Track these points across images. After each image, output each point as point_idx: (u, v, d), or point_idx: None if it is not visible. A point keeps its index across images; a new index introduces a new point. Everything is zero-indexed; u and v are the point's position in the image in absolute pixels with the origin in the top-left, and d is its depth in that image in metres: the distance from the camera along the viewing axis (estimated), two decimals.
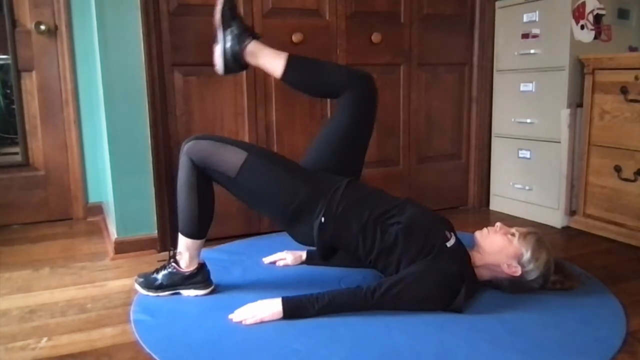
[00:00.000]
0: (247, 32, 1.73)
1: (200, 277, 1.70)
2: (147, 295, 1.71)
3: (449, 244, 1.58)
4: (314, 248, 1.71)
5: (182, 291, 1.71)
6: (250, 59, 1.74)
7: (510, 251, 1.60)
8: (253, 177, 1.62)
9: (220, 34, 1.74)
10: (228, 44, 1.72)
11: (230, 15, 1.73)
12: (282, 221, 1.68)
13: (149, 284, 1.71)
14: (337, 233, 1.61)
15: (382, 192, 1.74)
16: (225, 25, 1.73)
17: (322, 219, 1.59)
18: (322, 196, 1.61)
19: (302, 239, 1.69)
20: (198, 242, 1.69)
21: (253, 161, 1.62)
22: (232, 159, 1.61)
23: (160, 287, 1.70)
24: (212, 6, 2.18)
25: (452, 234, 1.63)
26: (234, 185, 1.64)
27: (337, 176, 1.70)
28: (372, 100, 1.76)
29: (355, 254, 1.64)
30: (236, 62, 1.74)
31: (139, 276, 1.75)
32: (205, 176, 1.64)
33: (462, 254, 1.61)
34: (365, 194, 1.67)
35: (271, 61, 1.74)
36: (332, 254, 1.71)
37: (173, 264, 1.69)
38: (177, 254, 1.71)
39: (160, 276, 1.70)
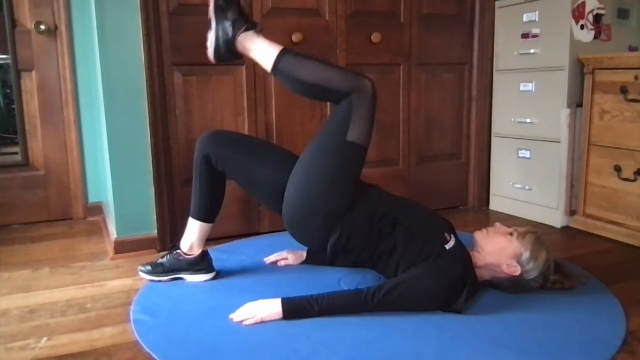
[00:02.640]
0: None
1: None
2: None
3: (448, 247, 1.57)
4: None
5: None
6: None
7: (510, 251, 1.60)
8: (348, 159, 1.61)
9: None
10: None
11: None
12: (305, 207, 1.61)
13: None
14: (347, 244, 1.61)
15: (383, 193, 1.75)
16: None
17: (339, 233, 1.60)
18: (348, 212, 1.61)
19: (307, 241, 1.70)
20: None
21: (362, 155, 1.63)
22: (363, 133, 1.59)
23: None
24: None
25: (452, 235, 1.63)
26: (337, 137, 1.59)
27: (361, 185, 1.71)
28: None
29: (358, 258, 1.65)
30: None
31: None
32: (333, 96, 1.61)
33: (463, 255, 1.60)
34: (370, 196, 1.67)
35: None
36: (337, 259, 1.70)
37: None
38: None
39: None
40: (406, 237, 1.57)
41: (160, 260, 1.83)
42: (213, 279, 1.82)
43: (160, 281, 1.81)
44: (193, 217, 1.79)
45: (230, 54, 1.67)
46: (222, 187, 1.80)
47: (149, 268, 1.83)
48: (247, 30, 1.63)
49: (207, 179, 1.75)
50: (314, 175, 1.61)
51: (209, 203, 1.78)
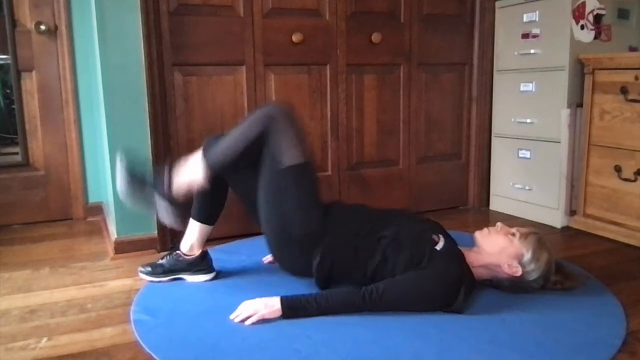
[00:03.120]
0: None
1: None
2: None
3: (438, 247, 1.58)
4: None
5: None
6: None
7: (511, 251, 1.60)
8: (294, 182, 1.61)
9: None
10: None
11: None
12: (280, 239, 1.67)
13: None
14: (332, 267, 1.61)
15: (363, 208, 1.76)
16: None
17: (319, 258, 1.60)
18: (324, 235, 1.61)
19: (295, 272, 1.68)
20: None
21: (306, 171, 1.62)
22: (295, 152, 1.59)
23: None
24: (212, 6, 2.21)
25: (440, 235, 1.63)
26: (273, 172, 1.61)
27: (326, 204, 1.72)
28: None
29: (350, 279, 1.63)
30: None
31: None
32: (262, 140, 1.61)
33: (455, 253, 1.60)
34: (349, 217, 1.67)
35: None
36: (329, 283, 1.68)
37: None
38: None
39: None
40: (393, 247, 1.57)
41: (160, 261, 1.83)
42: (213, 279, 1.82)
43: (160, 281, 1.81)
44: (194, 219, 1.79)
45: (181, 206, 1.65)
46: (224, 190, 1.79)
47: (149, 269, 1.83)
48: (168, 175, 1.62)
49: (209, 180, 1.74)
50: (272, 213, 1.64)
51: (210, 205, 1.78)
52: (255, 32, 2.29)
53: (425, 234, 1.62)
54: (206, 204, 1.77)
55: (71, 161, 2.69)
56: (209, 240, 1.85)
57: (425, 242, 1.58)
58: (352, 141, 2.56)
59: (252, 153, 1.63)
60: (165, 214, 1.65)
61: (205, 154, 1.62)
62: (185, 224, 1.74)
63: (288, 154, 1.59)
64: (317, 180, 1.68)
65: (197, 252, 1.79)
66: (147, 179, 1.63)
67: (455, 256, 1.59)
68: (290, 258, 1.67)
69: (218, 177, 1.72)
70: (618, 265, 1.98)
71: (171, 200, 1.62)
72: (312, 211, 1.62)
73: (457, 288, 1.52)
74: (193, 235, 1.79)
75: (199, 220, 1.78)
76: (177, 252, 1.80)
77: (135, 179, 1.61)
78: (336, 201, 1.81)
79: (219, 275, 1.85)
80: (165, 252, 1.88)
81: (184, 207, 1.68)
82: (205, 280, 1.81)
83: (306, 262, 1.62)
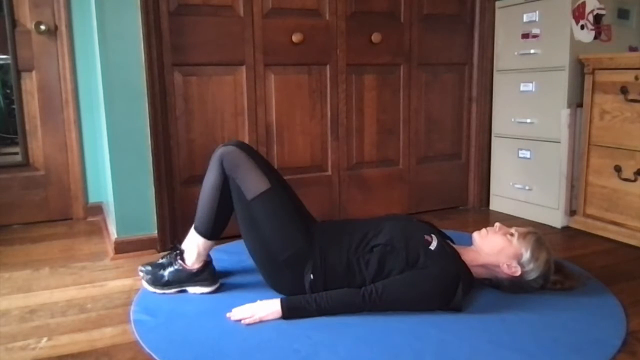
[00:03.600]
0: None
1: (206, 274, 1.73)
2: (154, 292, 1.73)
3: (432, 247, 1.58)
4: None
5: (188, 288, 1.74)
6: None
7: (510, 251, 1.60)
8: (263, 211, 1.62)
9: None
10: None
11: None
12: (268, 266, 1.67)
13: (156, 280, 1.73)
14: (326, 282, 1.60)
15: (352, 221, 1.77)
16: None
17: (312, 276, 1.59)
18: (311, 251, 1.61)
19: (287, 293, 1.65)
20: (209, 242, 1.72)
21: (271, 196, 1.63)
22: (255, 183, 1.62)
23: (167, 284, 1.73)
24: (212, 6, 2.21)
25: (433, 235, 1.63)
26: (243, 207, 1.64)
27: (312, 223, 1.74)
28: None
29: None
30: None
31: (143, 265, 1.78)
32: (227, 182, 1.66)
33: (450, 252, 1.61)
34: (337, 232, 1.67)
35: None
36: None
37: (179, 261, 1.72)
38: (184, 252, 1.73)
39: (166, 273, 1.72)
40: (387, 253, 1.57)
41: (162, 272, 1.74)
42: (217, 289, 1.75)
43: (164, 293, 1.73)
44: (198, 233, 1.71)
45: (203, 271, 1.73)
46: (230, 207, 1.71)
47: (149, 268, 1.77)
48: (177, 257, 1.73)
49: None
50: (254, 243, 1.67)
51: (215, 221, 1.71)
52: (255, 32, 2.29)
53: (417, 236, 1.62)
54: (211, 218, 1.70)
55: (71, 161, 2.69)
56: None
57: (418, 244, 1.58)
58: (352, 141, 2.56)
59: (228, 198, 1.67)
60: (198, 290, 1.73)
61: (194, 224, 1.71)
62: (216, 280, 1.77)
63: (249, 187, 1.62)
64: (287, 201, 1.68)
65: (198, 265, 1.72)
66: (167, 278, 1.73)
67: (450, 255, 1.59)
68: (284, 282, 1.65)
69: (227, 196, 1.68)
70: (618, 265, 1.98)
71: (194, 277, 1.72)
72: (291, 231, 1.62)
73: (454, 286, 1.52)
74: (195, 249, 1.71)
75: (203, 236, 1.71)
76: (180, 262, 1.72)
77: (159, 284, 1.74)
78: (324, 220, 1.83)
79: (219, 275, 1.84)
80: (165, 252, 1.87)
81: (208, 270, 1.74)
82: (209, 292, 1.73)
83: (299, 282, 1.61)
